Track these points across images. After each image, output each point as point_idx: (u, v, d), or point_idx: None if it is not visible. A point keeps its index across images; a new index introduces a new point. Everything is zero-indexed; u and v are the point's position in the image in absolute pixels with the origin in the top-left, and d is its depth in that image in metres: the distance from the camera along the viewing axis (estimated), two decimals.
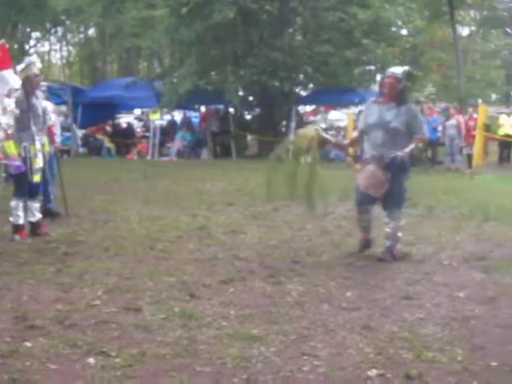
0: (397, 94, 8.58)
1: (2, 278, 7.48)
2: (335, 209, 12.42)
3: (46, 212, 11.74)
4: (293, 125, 28.06)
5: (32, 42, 58.57)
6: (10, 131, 9.28)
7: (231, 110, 30.29)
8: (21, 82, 9.66)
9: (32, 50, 56.38)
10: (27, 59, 10.00)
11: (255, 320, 6.06)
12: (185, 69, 28.64)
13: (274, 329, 5.82)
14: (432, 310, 6.47)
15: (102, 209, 12.88)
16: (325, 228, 10.82)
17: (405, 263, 8.44)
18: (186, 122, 31.48)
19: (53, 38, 61.64)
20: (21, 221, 9.74)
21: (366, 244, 8.97)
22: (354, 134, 9.59)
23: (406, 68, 9.73)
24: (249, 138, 30.42)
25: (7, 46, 13.43)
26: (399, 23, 32.48)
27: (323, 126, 33.38)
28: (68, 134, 28.20)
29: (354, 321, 6.10)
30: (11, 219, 9.74)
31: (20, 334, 5.60)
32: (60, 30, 57.37)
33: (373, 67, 32.57)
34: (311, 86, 31.42)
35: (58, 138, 12.68)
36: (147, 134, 31.24)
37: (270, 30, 28.53)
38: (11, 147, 9.39)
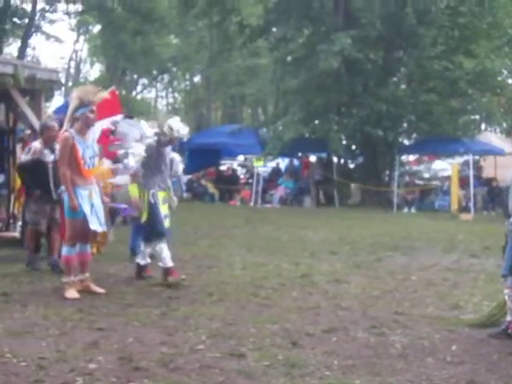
0: None
1: (108, 320, 7.63)
2: (440, 260, 12.25)
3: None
4: (396, 174, 27.94)
5: (139, 89, 60.15)
6: (132, 172, 9.77)
7: (334, 158, 30.32)
8: (155, 133, 9.95)
9: (139, 97, 57.89)
10: (174, 122, 10.09)
11: (358, 371, 6.00)
12: (289, 117, 28.92)
13: (376, 380, 5.75)
14: None
15: (205, 254, 13.02)
16: (430, 280, 10.67)
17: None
18: (291, 170, 31.56)
19: (159, 85, 63.09)
20: (170, 263, 9.82)
21: None
22: None
23: None
24: (352, 186, 30.32)
25: (117, 92, 13.89)
26: (505, 73, 32.13)
27: (427, 175, 33.15)
28: (174, 179, 28.62)
29: (459, 375, 5.96)
30: (160, 264, 9.85)
31: (125, 375, 5.68)
32: (166, 76, 58.71)
33: (478, 116, 32.26)
34: (415, 135, 31.21)
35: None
36: (250, 180, 31.51)
37: (374, 79, 28.53)
38: (134, 191, 9.72)
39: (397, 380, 5.78)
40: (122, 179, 10.63)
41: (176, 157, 11.50)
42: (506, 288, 7.32)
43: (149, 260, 10.23)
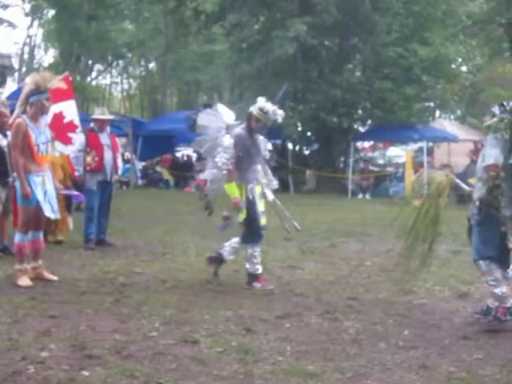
0: None
1: (61, 307, 7.57)
2: (394, 246, 12.33)
3: (100, 243, 12.04)
4: (351, 161, 28.07)
5: (94, 75, 59.59)
6: (227, 169, 8.82)
7: (289, 144, 30.37)
8: (245, 119, 9.20)
9: (94, 83, 57.35)
10: (268, 105, 9.07)
11: (311, 356, 6.03)
12: (244, 103, 28.84)
13: (330, 366, 5.78)
14: (491, 351, 6.35)
15: (159, 241, 12.99)
16: (383, 265, 10.74)
17: (463, 302, 8.33)
18: None
19: (114, 71, 62.61)
20: (259, 269, 9.07)
21: None
22: None
23: None
24: (307, 173, 30.40)
25: (71, 78, 13.73)
26: (459, 60, 32.39)
27: (381, 162, 33.35)
28: (127, 165, 28.53)
29: (411, 360, 6.02)
30: (248, 267, 9.08)
31: (78, 363, 5.65)
32: (121, 62, 58.29)
33: (432, 104, 32.51)
34: (370, 122, 31.38)
35: (119, 171, 12.90)
36: None
37: (329, 65, 28.62)
38: (233, 189, 8.90)
39: (350, 365, 5.81)
40: (211, 174, 9.37)
41: (264, 142, 9.62)
42: (484, 274, 7.21)
43: (259, 267, 9.14)
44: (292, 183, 28.54)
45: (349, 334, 6.80)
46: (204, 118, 9.43)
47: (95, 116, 12.55)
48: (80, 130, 12.93)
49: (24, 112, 8.92)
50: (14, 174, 9.15)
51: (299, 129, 29.41)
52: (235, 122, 9.31)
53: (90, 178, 12.10)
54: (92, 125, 12.59)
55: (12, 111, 10.31)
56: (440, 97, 30.94)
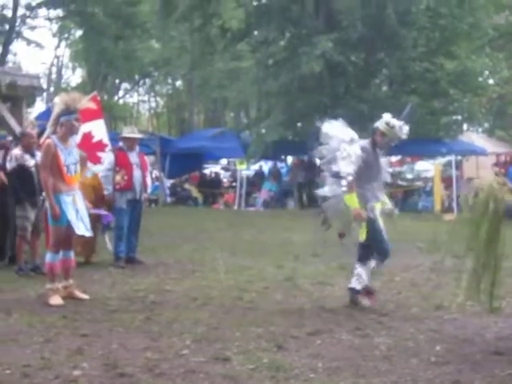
0: None
1: (93, 326, 7.62)
2: (423, 261, 12.28)
3: (130, 261, 12.10)
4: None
5: (121, 93, 60.04)
6: (349, 179, 8.40)
7: (317, 160, 30.31)
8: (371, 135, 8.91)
9: (121, 101, 57.77)
10: (394, 120, 8.91)
11: (343, 373, 6.01)
12: (271, 119, 28.91)
13: (361, 382, 5.76)
14: None
15: (189, 258, 13.02)
16: (413, 280, 10.70)
17: (495, 317, 8.27)
18: (275, 173, 31.55)
19: (141, 90, 63.04)
20: (363, 286, 8.81)
21: None
22: None
23: None
24: None
25: (99, 97, 13.84)
26: (486, 73, 32.26)
27: (410, 176, 33.21)
28: (156, 183, 28.66)
29: (444, 376, 5.98)
30: (353, 285, 8.84)
31: (110, 382, 5.69)
32: (148, 81, 58.67)
33: (459, 117, 32.38)
34: None
35: (148, 189, 12.94)
36: (234, 183, 31.53)
37: (356, 81, 28.59)
38: (353, 200, 8.52)
39: (381, 381, 5.79)
40: (330, 190, 8.86)
41: (385, 162, 9.42)
42: None
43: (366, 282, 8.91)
44: None
45: (380, 350, 6.77)
46: (329, 127, 8.96)
47: (124, 135, 12.62)
48: (109, 149, 12.99)
49: (54, 132, 9.01)
50: (44, 194, 9.25)
51: None
52: (356, 137, 8.85)
53: (120, 197, 12.17)
54: (121, 143, 12.67)
55: (41, 131, 10.46)
56: (467, 110, 30.82)
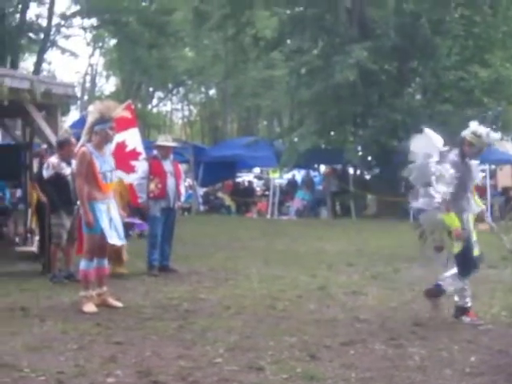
0: None
1: (126, 334, 7.66)
2: None
3: (163, 269, 12.13)
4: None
5: (155, 102, 60.39)
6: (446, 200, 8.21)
7: (350, 169, 30.31)
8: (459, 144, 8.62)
9: (154, 110, 58.11)
10: (481, 128, 8.57)
11: (376, 383, 5.99)
12: (304, 128, 28.91)
13: None
14: None
15: (222, 267, 13.03)
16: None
17: None
18: (308, 182, 31.51)
19: (175, 98, 63.35)
20: (469, 303, 8.56)
21: None
22: None
23: None
24: (368, 197, 30.26)
25: (133, 106, 13.91)
26: None
27: None
28: (190, 192, 28.76)
29: None
30: (457, 299, 8.60)
31: None
32: (182, 89, 58.98)
33: (494, 126, 32.13)
34: None
35: (182, 197, 12.96)
36: (267, 192, 31.55)
37: (389, 90, 28.51)
38: (453, 220, 8.30)
39: None
40: (424, 203, 8.61)
41: (476, 165, 8.95)
42: None
43: (468, 301, 8.61)
44: (354, 208, 28.39)
45: (414, 361, 6.73)
46: (415, 144, 8.87)
47: (159, 143, 12.68)
48: (143, 158, 13.03)
49: (89, 141, 9.08)
50: (79, 202, 9.32)
51: (360, 153, 29.31)
52: (445, 148, 8.68)
53: (154, 205, 12.23)
54: (155, 152, 12.73)
55: (76, 140, 10.54)
56: (502, 119, 30.59)
